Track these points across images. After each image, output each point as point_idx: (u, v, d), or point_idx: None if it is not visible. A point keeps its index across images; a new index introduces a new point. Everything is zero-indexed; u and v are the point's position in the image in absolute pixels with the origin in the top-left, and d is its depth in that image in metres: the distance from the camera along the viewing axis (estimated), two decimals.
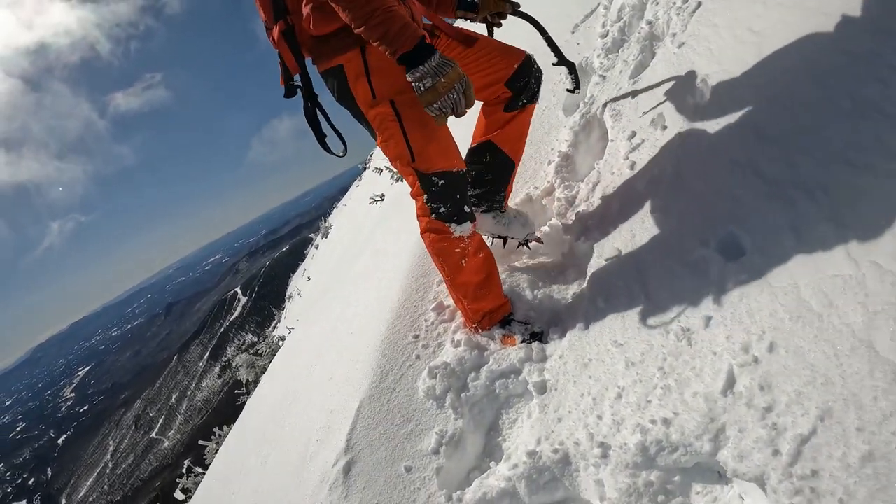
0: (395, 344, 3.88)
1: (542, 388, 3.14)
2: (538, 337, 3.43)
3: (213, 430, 11.70)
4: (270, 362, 9.19)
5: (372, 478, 3.23)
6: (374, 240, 6.95)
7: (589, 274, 3.48)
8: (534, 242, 4.05)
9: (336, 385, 4.12)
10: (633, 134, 3.96)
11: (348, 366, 4.14)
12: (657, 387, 2.50)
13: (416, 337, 3.87)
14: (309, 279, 21.16)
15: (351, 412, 3.61)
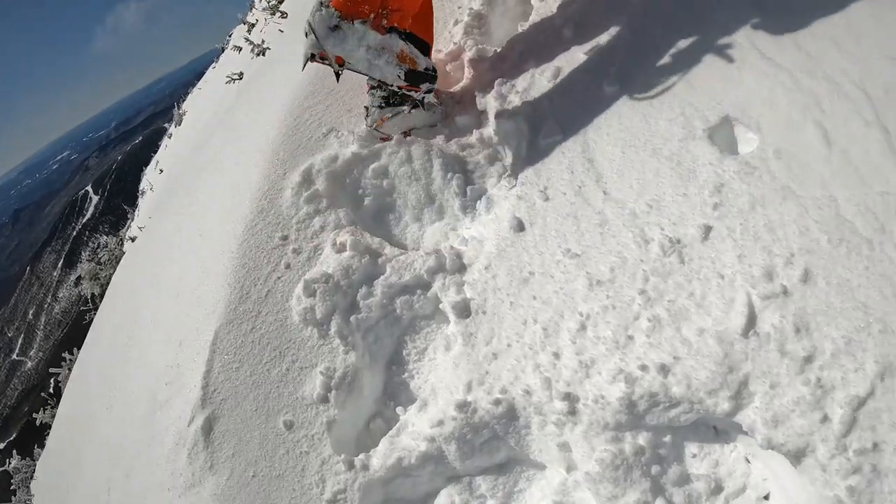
0: (258, 249, 2.95)
1: (464, 309, 2.43)
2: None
3: (63, 355, 10.36)
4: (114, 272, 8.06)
5: (242, 440, 2.46)
6: (230, 119, 5.70)
7: (514, 158, 2.73)
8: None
9: (184, 306, 3.16)
10: None
11: (198, 279, 3.18)
12: (641, 317, 1.88)
13: (285, 238, 2.95)
14: (161, 171, 19.10)
15: (204, 346, 2.73)
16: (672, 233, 1.96)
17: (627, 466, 1.79)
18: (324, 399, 2.46)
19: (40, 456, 7.79)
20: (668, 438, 1.82)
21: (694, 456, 1.82)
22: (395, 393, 2.61)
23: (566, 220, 2.29)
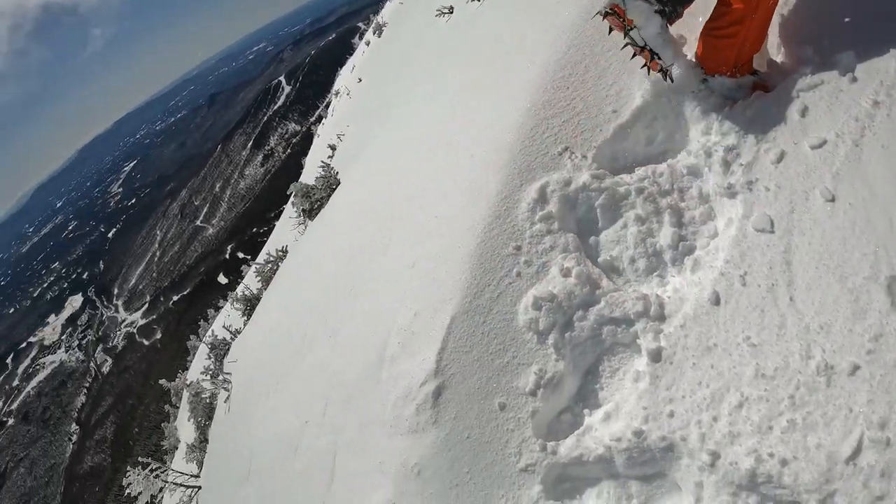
0: (493, 253, 4.55)
1: (657, 355, 3.87)
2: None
3: (268, 253, 13.01)
4: (329, 197, 9.92)
5: (463, 408, 4.14)
6: (453, 87, 7.10)
7: (729, 236, 3.95)
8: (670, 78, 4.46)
9: (419, 279, 4.85)
10: None
11: (434, 261, 4.84)
12: (783, 415, 3.21)
13: (518, 248, 4.52)
14: (360, 80, 21.48)
15: (441, 326, 4.41)
16: (830, 359, 3.19)
17: None
18: (533, 393, 4.05)
19: (235, 339, 10.35)
20: None
21: None
22: (586, 397, 4.15)
23: (754, 311, 3.56)
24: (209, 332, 14.39)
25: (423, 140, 6.85)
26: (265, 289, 12.76)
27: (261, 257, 18.93)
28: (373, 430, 4.72)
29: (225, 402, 9.88)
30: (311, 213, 10.62)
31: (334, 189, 9.91)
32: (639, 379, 3.90)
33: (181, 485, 12.31)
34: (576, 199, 4.54)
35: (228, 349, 12.51)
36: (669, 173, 4.52)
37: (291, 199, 11.02)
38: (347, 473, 5.00)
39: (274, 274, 12.25)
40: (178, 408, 30.18)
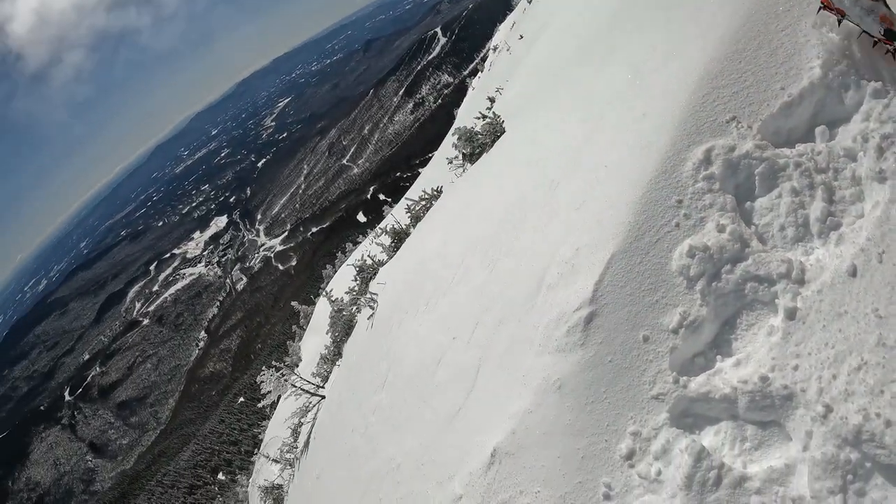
0: (656, 203, 5.09)
1: (792, 314, 4.36)
2: None
3: (423, 191, 13.81)
4: (493, 144, 10.55)
5: (610, 335, 4.75)
6: (628, 50, 7.51)
7: (874, 216, 4.41)
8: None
9: (584, 220, 5.46)
10: None
11: (600, 205, 5.43)
12: (895, 382, 3.59)
13: (680, 202, 5.05)
14: (521, 37, 21.94)
15: (601, 262, 5.02)
16: None
17: (836, 466, 3.71)
18: (675, 331, 4.65)
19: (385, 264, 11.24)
20: (868, 465, 3.63)
21: (876, 485, 3.61)
22: (720, 345, 4.70)
23: (885, 287, 4.03)
24: (357, 257, 15.36)
25: (595, 98, 7.33)
26: (414, 225, 13.54)
27: (411, 194, 19.76)
28: (521, 348, 5.40)
29: (368, 318, 10.75)
30: (472, 157, 11.21)
31: (499, 136, 10.46)
32: (772, 333, 4.40)
33: (308, 392, 13.36)
34: (738, 165, 5.02)
35: (376, 273, 13.45)
36: (827, 153, 4.93)
37: (453, 141, 11.60)
38: (489, 385, 5.71)
39: (426, 212, 12.98)
40: (304, 329, 32.00)
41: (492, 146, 10.53)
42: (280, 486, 14.98)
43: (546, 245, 5.76)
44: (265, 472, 23.21)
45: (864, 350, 3.86)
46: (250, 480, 28.79)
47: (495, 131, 10.58)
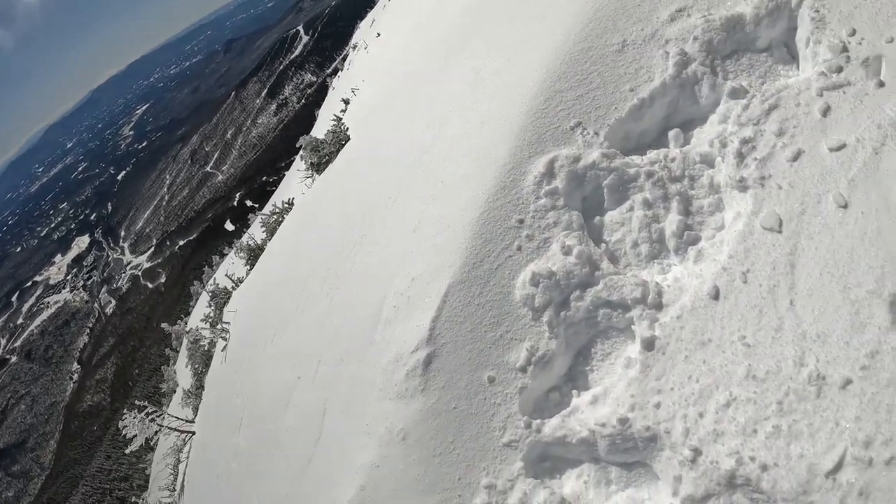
0: (495, 223, 4.54)
1: (650, 344, 3.87)
2: None
3: (278, 204, 13.22)
4: (338, 153, 9.98)
5: (453, 378, 4.18)
6: (472, 50, 7.03)
7: (735, 230, 3.97)
8: None
9: (419, 244, 4.87)
10: None
11: (435, 227, 4.85)
12: (769, 420, 3.23)
13: (521, 222, 4.52)
14: (378, 35, 21.78)
15: (437, 294, 4.44)
16: (823, 369, 3.19)
17: None
18: (523, 369, 4.10)
19: (235, 290, 10.45)
20: None
21: None
22: (575, 377, 4.20)
23: (752, 311, 3.57)
24: (211, 280, 14.54)
25: (437, 103, 6.83)
26: (269, 239, 12.88)
27: (267, 208, 19.13)
28: (363, 390, 4.79)
29: (222, 350, 10.01)
30: (319, 167, 10.64)
31: (343, 145, 9.93)
32: (630, 365, 3.92)
33: (176, 429, 12.54)
34: (584, 177, 4.54)
35: (229, 298, 12.64)
36: (682, 159, 4.51)
37: (301, 152, 11.04)
38: (335, 432, 5.10)
39: (279, 225, 12.36)
40: (177, 352, 30.54)
41: (336, 155, 9.92)
42: None
43: (382, 272, 5.17)
44: None
45: (732, 384, 3.40)
46: None
47: (340, 140, 9.97)
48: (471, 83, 6.25)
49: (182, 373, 25.90)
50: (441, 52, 8.16)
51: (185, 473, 11.82)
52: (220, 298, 13.42)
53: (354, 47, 30.31)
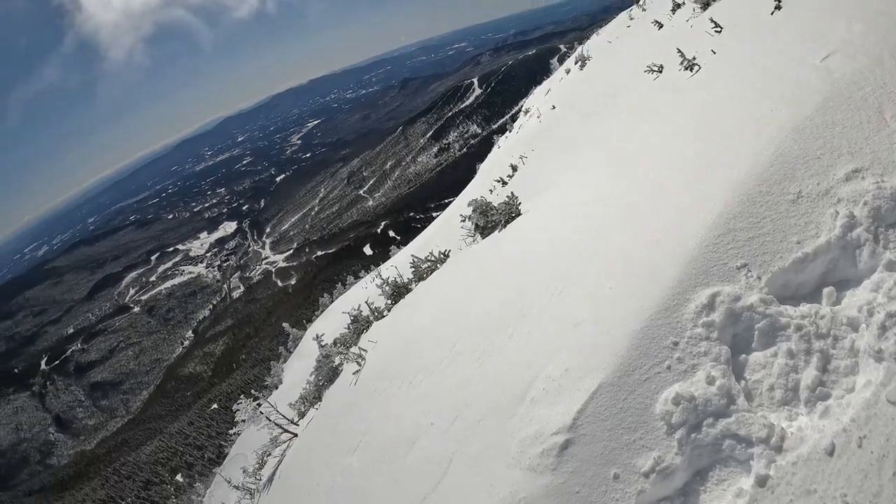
0: (652, 340, 5.13)
1: (763, 481, 4.38)
2: None
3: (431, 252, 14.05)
4: (506, 224, 10.64)
5: (583, 466, 4.77)
6: (641, 149, 7.68)
7: (863, 396, 4.44)
8: None
9: (579, 339, 5.52)
10: None
11: (597, 328, 5.50)
12: None
13: (675, 344, 5.08)
14: (553, 108, 22.54)
15: (587, 390, 5.05)
16: None
17: None
18: (646, 475, 4.65)
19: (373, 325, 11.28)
20: None
21: None
22: (688, 493, 4.70)
23: (858, 473, 4.04)
24: (345, 299, 15.36)
25: (612, 206, 7.39)
26: (416, 282, 13.58)
27: (416, 246, 19.79)
28: (495, 454, 5.39)
29: (354, 373, 10.73)
30: (483, 230, 11.25)
31: (513, 217, 10.49)
32: (740, 496, 4.40)
33: (281, 427, 13.29)
34: (739, 316, 5.08)
35: (369, 326, 13.46)
36: (830, 318, 4.98)
37: (468, 212, 11.66)
38: (457, 484, 5.69)
39: (429, 273, 13.03)
40: (290, 353, 31.85)
41: (504, 227, 10.58)
42: None
43: (538, 355, 5.79)
44: (222, 492, 22.94)
45: None
46: (207, 491, 28.43)
47: (510, 211, 10.64)
48: (649, 195, 6.84)
49: (288, 373, 27.11)
50: (615, 148, 8.72)
51: (277, 469, 12.58)
52: (361, 325, 14.27)
53: (526, 112, 30.86)
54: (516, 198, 10.64)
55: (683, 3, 16.57)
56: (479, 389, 6.23)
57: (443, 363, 7.41)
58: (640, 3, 24.98)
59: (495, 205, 11.11)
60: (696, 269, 5.38)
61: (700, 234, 5.60)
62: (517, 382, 5.70)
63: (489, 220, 11.09)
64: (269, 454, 14.08)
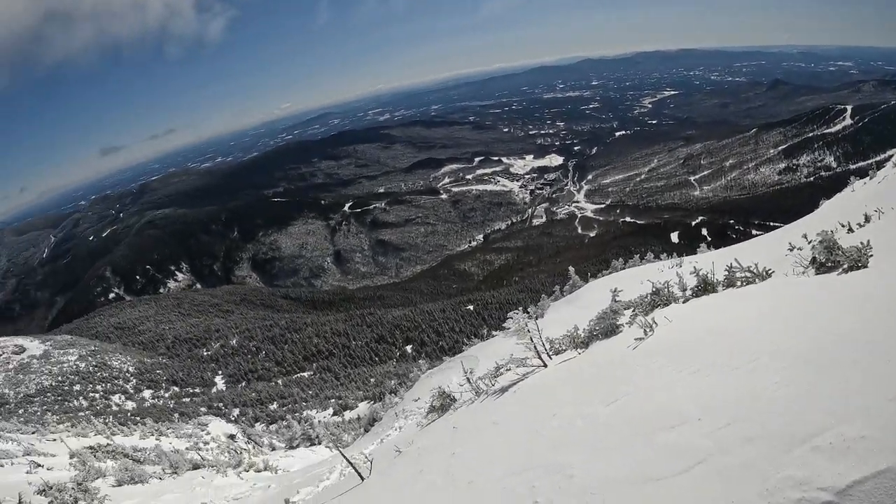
0: None
1: None
2: None
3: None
4: None
5: None
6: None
7: None
8: None
9: (893, 415, 5.14)
10: None
11: None
12: None
13: None
14: None
15: (874, 465, 4.60)
16: None
17: None
18: None
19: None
20: None
21: None
22: None
23: None
24: (664, 282, 15.00)
25: None
26: (724, 286, 12.78)
27: (726, 255, 18.76)
28: (747, 475, 5.24)
29: (636, 339, 10.44)
30: (819, 266, 10.38)
31: (858, 267, 9.47)
32: None
33: (537, 351, 13.51)
34: None
35: (668, 303, 13.13)
36: None
37: (815, 243, 10.88)
38: (696, 485, 5.54)
39: (744, 283, 12.24)
40: (563, 295, 32.57)
41: (846, 272, 9.85)
42: (454, 399, 15.92)
43: (840, 406, 5.43)
44: (445, 375, 24.34)
45: None
46: (428, 371, 30.20)
47: (859, 259, 9.88)
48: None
49: (552, 311, 27.72)
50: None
51: (516, 385, 12.92)
52: (660, 299, 13.49)
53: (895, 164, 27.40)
54: (870, 247, 9.89)
55: None
56: (762, 408, 5.97)
57: (737, 369, 7.08)
58: None
59: (844, 246, 10.42)
60: None
61: None
62: (809, 422, 5.43)
63: (831, 258, 10.46)
64: (509, 369, 14.54)
